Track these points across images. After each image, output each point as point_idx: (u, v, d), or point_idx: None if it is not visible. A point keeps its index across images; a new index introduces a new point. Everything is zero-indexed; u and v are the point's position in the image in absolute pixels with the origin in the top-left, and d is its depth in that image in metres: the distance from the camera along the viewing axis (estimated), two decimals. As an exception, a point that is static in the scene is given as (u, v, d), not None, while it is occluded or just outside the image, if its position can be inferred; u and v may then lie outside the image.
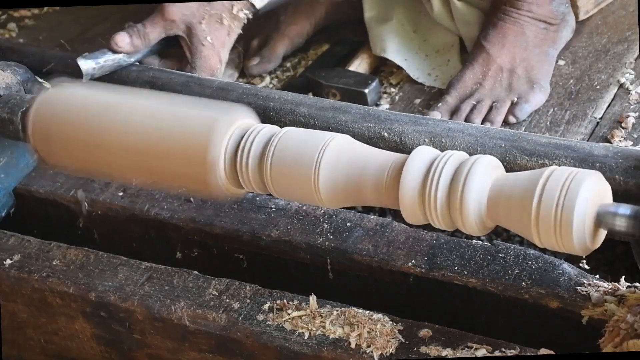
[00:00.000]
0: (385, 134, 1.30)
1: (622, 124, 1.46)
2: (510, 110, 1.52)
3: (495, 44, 1.56)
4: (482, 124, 1.51)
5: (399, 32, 1.73)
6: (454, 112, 1.54)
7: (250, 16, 1.52)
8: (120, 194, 1.43)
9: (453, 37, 1.72)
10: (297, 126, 1.28)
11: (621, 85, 1.56)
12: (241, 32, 1.55)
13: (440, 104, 1.55)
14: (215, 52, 1.51)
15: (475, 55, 1.58)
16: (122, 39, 1.48)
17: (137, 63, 1.54)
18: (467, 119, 1.51)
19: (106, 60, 1.49)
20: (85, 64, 1.47)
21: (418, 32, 1.74)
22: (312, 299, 1.20)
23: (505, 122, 1.52)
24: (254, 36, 1.80)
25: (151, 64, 1.58)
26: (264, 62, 1.76)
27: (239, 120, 1.16)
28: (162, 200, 1.41)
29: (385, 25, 1.73)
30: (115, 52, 1.49)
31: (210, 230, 1.36)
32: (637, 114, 1.50)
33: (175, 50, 1.56)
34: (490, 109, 1.53)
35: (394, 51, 1.71)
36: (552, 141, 1.23)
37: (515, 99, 1.53)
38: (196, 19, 1.48)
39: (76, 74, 1.49)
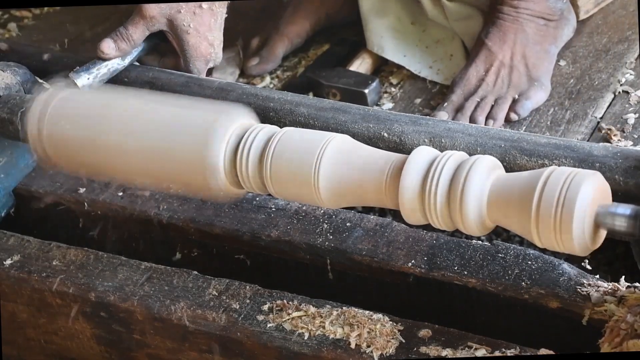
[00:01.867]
0: (385, 134, 1.30)
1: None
2: (512, 107, 1.53)
3: (496, 41, 1.57)
4: (485, 120, 1.52)
5: (397, 27, 1.73)
6: (458, 110, 1.55)
7: None
8: (120, 194, 1.43)
9: (452, 32, 1.72)
10: (296, 126, 1.28)
11: (616, 91, 1.56)
12: (226, 14, 1.53)
13: (446, 104, 1.56)
14: (202, 38, 1.50)
15: (477, 53, 1.59)
16: (108, 45, 1.47)
17: (136, 63, 1.54)
18: (471, 116, 1.52)
19: (99, 68, 1.48)
20: (80, 79, 1.46)
21: (416, 24, 1.74)
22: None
23: (507, 120, 1.53)
24: (254, 36, 1.80)
25: (151, 63, 1.57)
26: (263, 63, 1.76)
27: (239, 121, 1.16)
28: (162, 200, 1.41)
29: (382, 20, 1.73)
30: (103, 59, 1.48)
31: (210, 230, 1.36)
32: (637, 114, 1.50)
33: (164, 61, 1.55)
34: (492, 106, 1.54)
35: (392, 47, 1.71)
36: (552, 141, 1.23)
37: (517, 96, 1.54)
38: (174, 10, 1.47)
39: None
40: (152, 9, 1.47)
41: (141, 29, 1.48)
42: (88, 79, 1.46)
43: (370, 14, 1.74)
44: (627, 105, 1.53)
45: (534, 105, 1.54)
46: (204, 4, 1.47)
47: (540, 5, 1.56)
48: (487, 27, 1.59)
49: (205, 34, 1.50)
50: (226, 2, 1.51)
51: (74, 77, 1.46)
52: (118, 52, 1.48)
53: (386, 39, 1.71)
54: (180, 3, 1.47)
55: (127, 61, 1.50)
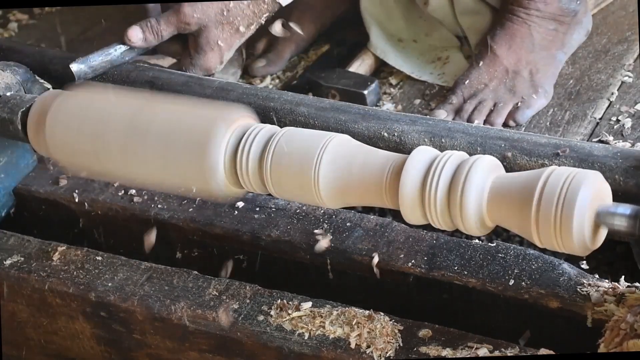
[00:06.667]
0: (385, 134, 1.30)
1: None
2: (511, 114, 1.52)
3: (502, 45, 1.55)
4: (482, 125, 1.52)
5: (399, 32, 1.73)
6: (457, 111, 1.55)
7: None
8: (120, 193, 1.43)
9: (452, 38, 1.72)
10: (297, 126, 1.28)
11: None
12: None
13: (446, 103, 1.56)
14: (218, 55, 1.50)
15: (481, 55, 1.58)
16: (135, 34, 1.46)
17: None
18: (468, 119, 1.52)
19: (99, 62, 1.47)
20: (78, 68, 1.46)
21: (418, 29, 1.74)
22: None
23: (505, 126, 1.52)
24: (258, 37, 1.79)
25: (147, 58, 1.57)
26: (270, 65, 1.76)
27: (239, 120, 1.16)
28: (162, 200, 1.41)
29: (385, 25, 1.73)
30: (127, 45, 1.47)
31: (210, 230, 1.36)
32: (635, 116, 1.50)
33: (169, 45, 1.55)
34: (491, 110, 1.53)
35: (394, 52, 1.71)
36: (552, 141, 1.23)
37: (518, 103, 1.53)
38: (212, 24, 1.47)
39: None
40: (190, 16, 1.46)
41: (172, 28, 1.48)
42: (86, 72, 1.46)
43: (373, 19, 1.74)
44: (624, 109, 1.53)
45: (534, 112, 1.54)
46: (241, 28, 1.47)
47: (552, 6, 1.53)
48: (495, 28, 1.58)
49: (223, 52, 1.50)
50: (256, 26, 1.51)
51: (73, 66, 1.46)
52: (143, 43, 1.47)
53: (388, 44, 1.72)
54: (223, 21, 1.46)
55: (128, 58, 1.50)
